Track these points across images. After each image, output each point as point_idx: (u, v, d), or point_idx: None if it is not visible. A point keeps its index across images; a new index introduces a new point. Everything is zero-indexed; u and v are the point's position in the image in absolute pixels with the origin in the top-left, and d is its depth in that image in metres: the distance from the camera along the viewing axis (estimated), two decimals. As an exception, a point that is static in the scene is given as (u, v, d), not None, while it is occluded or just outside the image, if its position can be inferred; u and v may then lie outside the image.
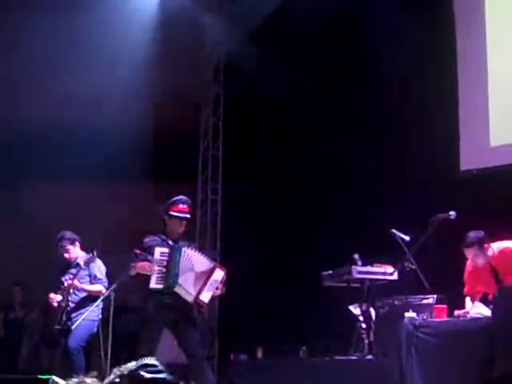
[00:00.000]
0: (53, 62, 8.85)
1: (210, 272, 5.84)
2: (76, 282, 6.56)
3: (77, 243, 6.84)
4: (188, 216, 6.03)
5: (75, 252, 6.81)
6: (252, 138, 9.38)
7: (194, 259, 5.84)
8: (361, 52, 8.30)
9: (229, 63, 9.83)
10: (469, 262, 5.89)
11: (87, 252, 6.68)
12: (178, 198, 6.05)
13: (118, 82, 9.24)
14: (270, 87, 9.17)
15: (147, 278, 5.87)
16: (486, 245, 5.72)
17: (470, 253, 5.74)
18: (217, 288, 5.85)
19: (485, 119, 7.42)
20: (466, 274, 5.92)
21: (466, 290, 5.88)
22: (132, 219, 8.77)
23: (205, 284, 5.79)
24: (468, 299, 5.79)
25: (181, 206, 6.00)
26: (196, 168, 9.87)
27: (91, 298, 6.63)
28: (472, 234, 5.75)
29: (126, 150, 9.30)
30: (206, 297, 5.81)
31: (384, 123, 8.16)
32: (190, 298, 5.81)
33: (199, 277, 5.81)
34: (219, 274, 5.85)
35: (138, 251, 5.96)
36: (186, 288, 5.80)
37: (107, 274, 6.77)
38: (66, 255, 6.79)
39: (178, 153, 9.54)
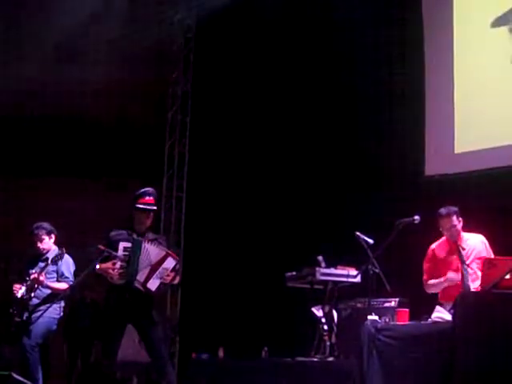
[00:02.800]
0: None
1: (162, 260, 5.82)
2: (42, 277, 6.45)
3: (53, 236, 6.71)
4: (154, 208, 5.99)
5: (49, 244, 6.69)
6: (219, 136, 9.37)
7: (151, 252, 5.82)
8: (331, 59, 8.36)
9: (198, 60, 9.81)
10: (429, 250, 5.95)
11: (59, 248, 6.58)
12: (143, 190, 6.01)
13: (83, 76, 9.20)
14: (238, 84, 9.20)
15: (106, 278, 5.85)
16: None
17: (449, 222, 5.81)
18: (167, 275, 5.82)
19: (450, 127, 7.54)
20: (425, 263, 5.97)
21: (425, 277, 5.95)
22: (97, 214, 8.72)
23: (154, 271, 5.77)
24: (432, 280, 5.84)
25: (147, 198, 5.95)
26: (162, 164, 9.83)
27: (55, 295, 6.54)
28: (450, 206, 5.86)
29: (92, 145, 9.28)
30: (153, 284, 5.77)
31: (350, 125, 8.22)
32: (138, 285, 5.79)
33: (153, 267, 5.80)
34: (170, 263, 5.82)
35: (101, 247, 5.90)
36: (140, 280, 5.78)
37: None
38: (39, 245, 6.64)
39: (144, 149, 9.51)
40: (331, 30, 8.32)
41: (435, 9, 7.89)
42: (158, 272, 5.78)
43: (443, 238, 5.98)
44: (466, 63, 7.64)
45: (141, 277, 5.77)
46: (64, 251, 6.44)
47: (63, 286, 6.57)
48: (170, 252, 5.91)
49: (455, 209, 5.88)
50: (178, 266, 5.93)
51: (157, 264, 5.80)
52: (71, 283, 6.60)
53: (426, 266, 5.99)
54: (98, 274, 5.91)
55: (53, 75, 9.23)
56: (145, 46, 9.30)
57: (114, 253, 5.83)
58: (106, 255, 5.88)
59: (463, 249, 5.83)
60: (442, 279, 5.80)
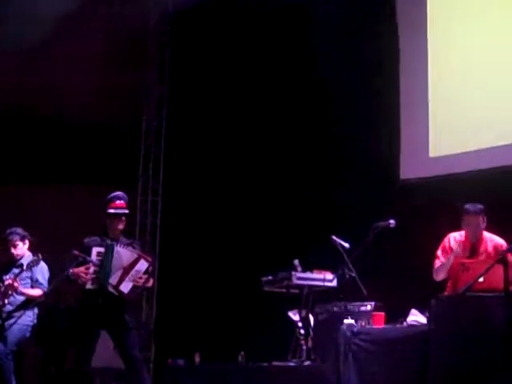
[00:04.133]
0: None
1: (134, 263, 5.80)
2: (17, 284, 6.37)
3: (26, 241, 6.62)
4: (126, 211, 5.96)
5: (23, 249, 6.60)
6: (194, 140, 9.35)
7: (123, 255, 5.80)
8: (307, 59, 8.38)
9: (173, 63, 9.78)
10: (448, 238, 5.84)
11: (33, 254, 6.51)
12: (113, 194, 5.98)
13: (54, 79, 9.13)
14: (214, 88, 9.19)
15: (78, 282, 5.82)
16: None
17: (475, 220, 5.70)
18: (140, 278, 5.79)
19: (425, 131, 7.58)
20: (439, 249, 5.84)
21: (436, 261, 5.82)
22: (72, 220, 8.66)
23: (126, 274, 5.75)
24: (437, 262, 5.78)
25: (117, 202, 5.92)
26: (137, 168, 9.78)
27: (29, 301, 6.47)
28: (477, 204, 5.74)
29: (65, 151, 9.21)
30: (125, 287, 5.75)
31: (325, 129, 8.24)
32: (111, 289, 5.76)
33: (125, 270, 5.78)
34: (143, 265, 5.80)
35: (76, 252, 5.88)
36: (112, 283, 5.75)
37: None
38: (13, 251, 6.54)
39: (118, 153, 9.46)
40: (307, 28, 8.33)
41: (410, 12, 7.93)
42: (130, 275, 5.76)
43: (462, 232, 5.84)
44: (440, 68, 7.70)
45: (113, 280, 5.75)
46: (40, 257, 6.37)
47: (38, 292, 6.50)
48: (142, 254, 5.89)
49: (482, 207, 5.74)
50: (150, 269, 5.91)
51: (129, 267, 5.78)
52: (45, 290, 6.54)
53: (438, 252, 5.83)
54: (72, 279, 5.87)
55: (23, 77, 9.15)
56: (119, 48, 9.26)
57: (88, 258, 5.80)
58: (80, 260, 5.86)
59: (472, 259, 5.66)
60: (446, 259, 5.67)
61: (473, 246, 5.79)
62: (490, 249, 5.76)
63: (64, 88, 9.39)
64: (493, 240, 5.78)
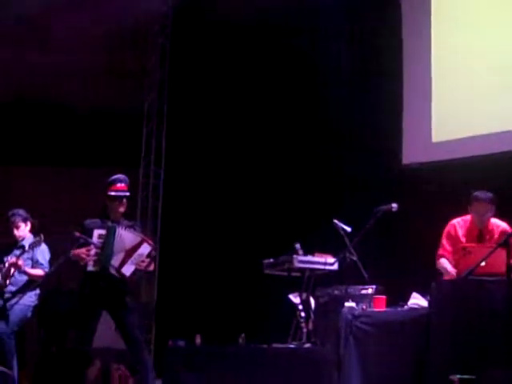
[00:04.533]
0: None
1: (137, 246, 5.81)
2: (21, 262, 6.40)
3: (28, 223, 6.66)
4: (127, 194, 5.96)
5: (24, 231, 6.64)
6: (197, 124, 9.34)
7: (125, 238, 5.81)
8: (306, 49, 8.36)
9: (175, 47, 9.74)
10: (451, 225, 5.83)
11: (34, 235, 6.54)
12: (114, 177, 5.97)
13: (57, 62, 9.10)
14: (216, 72, 9.17)
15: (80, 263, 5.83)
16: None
17: (484, 208, 5.69)
18: (142, 262, 5.80)
19: (427, 116, 7.58)
20: (444, 237, 5.83)
21: (442, 251, 5.82)
22: (74, 202, 8.66)
23: (129, 257, 5.76)
24: (444, 260, 5.77)
25: (118, 184, 5.92)
26: (139, 152, 9.77)
27: (30, 282, 6.50)
28: (486, 192, 5.72)
29: (68, 133, 9.19)
30: (127, 270, 5.76)
31: (328, 115, 8.22)
32: (113, 271, 5.78)
33: (128, 252, 5.78)
34: (145, 248, 5.81)
35: (77, 234, 5.89)
36: (114, 264, 5.76)
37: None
38: (16, 232, 6.58)
39: (121, 136, 9.45)
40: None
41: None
42: (132, 258, 5.77)
43: (466, 217, 5.84)
44: (444, 53, 7.69)
45: (115, 262, 5.76)
46: (42, 238, 6.40)
47: (39, 272, 6.54)
48: (145, 238, 5.90)
49: (491, 195, 5.72)
50: (153, 253, 5.92)
51: (132, 250, 5.79)
52: (46, 270, 6.57)
53: (444, 240, 5.82)
54: (74, 261, 5.89)
55: (23, 60, 9.12)
56: (122, 32, 9.22)
57: (89, 239, 5.81)
58: (81, 242, 5.87)
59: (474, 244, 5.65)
60: (449, 269, 5.66)
61: (480, 232, 5.79)
62: (496, 235, 5.77)
63: (66, 71, 9.36)
64: (499, 226, 5.78)
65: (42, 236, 6.38)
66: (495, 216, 5.81)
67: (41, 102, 9.59)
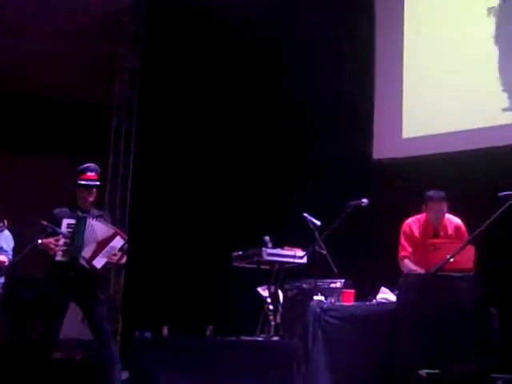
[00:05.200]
0: None
1: (110, 239, 5.74)
2: None
3: None
4: (97, 183, 5.88)
5: None
6: (168, 114, 9.27)
7: (97, 229, 5.73)
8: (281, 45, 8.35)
9: (147, 36, 9.66)
10: (407, 225, 5.90)
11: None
12: (85, 165, 5.89)
13: (26, 50, 8.99)
14: (188, 62, 9.11)
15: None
16: None
17: (440, 206, 5.78)
18: (114, 255, 5.75)
19: (398, 113, 7.63)
20: (402, 238, 5.89)
21: (404, 253, 5.85)
22: (42, 190, 8.56)
23: (101, 249, 5.70)
24: (408, 261, 5.81)
25: (89, 173, 5.84)
26: (108, 141, 9.68)
27: None
28: (438, 191, 5.81)
29: (37, 120, 9.08)
30: (98, 262, 5.70)
31: (300, 111, 8.22)
32: (83, 262, 5.71)
33: (99, 244, 5.72)
34: (118, 242, 5.75)
35: (45, 223, 5.79)
36: (85, 256, 5.70)
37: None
38: None
39: (90, 125, 9.35)
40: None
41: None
42: (105, 250, 5.70)
43: (420, 216, 5.92)
44: (415, 51, 7.75)
45: (86, 253, 5.68)
46: (5, 224, 6.30)
47: (3, 258, 6.45)
48: (118, 231, 5.83)
49: (443, 193, 5.82)
50: (126, 246, 5.84)
51: (104, 242, 5.72)
52: (10, 257, 6.48)
53: (403, 242, 5.88)
54: (41, 250, 5.80)
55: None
56: (92, 21, 9.12)
57: (58, 229, 5.73)
58: (49, 231, 5.78)
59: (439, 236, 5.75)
60: (414, 268, 5.69)
61: (435, 230, 5.86)
62: (450, 231, 5.85)
63: (36, 60, 9.24)
64: (452, 222, 5.88)
65: (6, 222, 6.28)
66: (457, 212, 5.90)
67: (10, 90, 9.45)
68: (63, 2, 8.95)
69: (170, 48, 9.28)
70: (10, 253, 6.54)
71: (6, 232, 6.47)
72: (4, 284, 6.61)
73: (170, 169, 9.12)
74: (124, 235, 5.84)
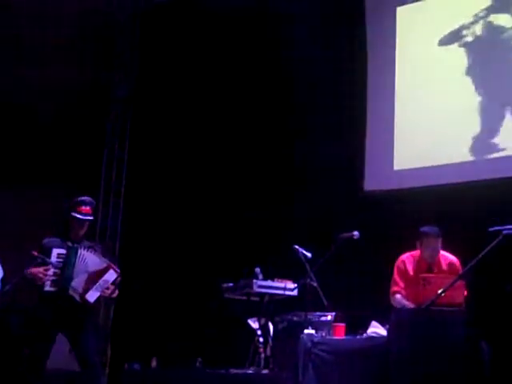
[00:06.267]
0: None
1: (103, 272, 5.71)
2: None
3: None
4: (91, 218, 5.88)
5: None
6: (159, 142, 9.28)
7: (88, 260, 5.70)
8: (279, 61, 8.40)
9: (141, 64, 9.71)
10: (401, 261, 5.85)
11: None
12: (81, 198, 5.88)
13: (18, 74, 8.99)
14: (180, 91, 9.15)
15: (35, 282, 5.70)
16: None
17: (436, 243, 5.73)
18: (107, 288, 5.71)
19: (390, 144, 7.68)
20: (395, 274, 5.83)
21: (396, 288, 5.78)
22: (31, 220, 8.51)
23: (93, 283, 5.66)
24: (400, 296, 5.75)
25: (83, 207, 5.83)
26: (99, 169, 9.66)
27: None
28: (433, 226, 5.78)
29: (27, 148, 9.04)
30: (92, 296, 5.66)
31: (292, 137, 8.25)
32: (77, 297, 5.67)
33: (91, 277, 5.68)
34: (111, 275, 5.72)
35: (35, 253, 5.76)
36: (77, 289, 5.66)
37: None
38: None
39: (81, 153, 9.33)
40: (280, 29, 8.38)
41: (379, 27, 8.03)
42: (98, 284, 5.66)
43: (414, 252, 5.87)
44: (406, 82, 7.82)
45: (78, 286, 5.63)
46: None
47: None
48: (111, 265, 5.78)
49: (438, 229, 5.77)
50: (118, 280, 5.80)
51: (96, 274, 5.67)
52: None
53: (396, 277, 5.81)
54: (29, 280, 5.75)
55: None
56: (86, 45, 9.16)
57: (48, 259, 5.69)
58: (38, 262, 5.74)
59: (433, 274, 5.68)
60: (406, 304, 5.65)
61: (429, 266, 5.84)
62: (444, 267, 5.82)
63: (26, 84, 9.24)
64: (447, 258, 5.85)
65: None
66: (449, 244, 5.89)
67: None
68: (56, 26, 8.99)
69: (164, 75, 9.33)
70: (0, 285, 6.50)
71: None
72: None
73: (162, 199, 9.10)
74: (117, 269, 5.80)
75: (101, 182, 9.58)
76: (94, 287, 5.65)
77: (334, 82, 7.93)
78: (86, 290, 5.63)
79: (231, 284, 6.65)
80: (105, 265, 5.71)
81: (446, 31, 7.60)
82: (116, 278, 5.73)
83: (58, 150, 9.47)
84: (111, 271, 5.70)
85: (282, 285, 6.49)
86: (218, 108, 8.91)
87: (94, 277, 5.67)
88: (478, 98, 7.27)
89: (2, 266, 6.56)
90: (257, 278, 6.50)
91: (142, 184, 9.34)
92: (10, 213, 8.73)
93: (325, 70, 7.97)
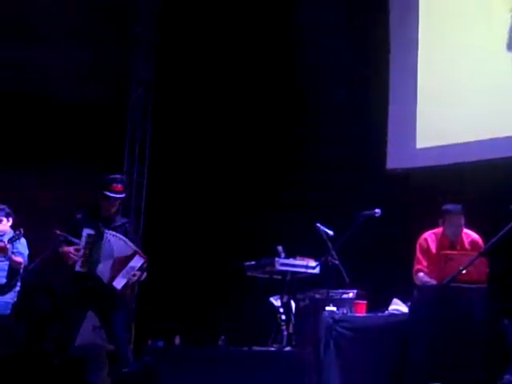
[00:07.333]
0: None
1: (129, 258, 5.75)
2: (9, 245, 6.37)
3: (10, 219, 6.67)
4: (122, 195, 5.94)
5: (6, 226, 6.63)
6: (182, 123, 9.30)
7: (114, 245, 5.75)
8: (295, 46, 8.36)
9: (162, 44, 9.71)
10: (424, 239, 5.85)
11: (15, 231, 6.53)
12: (112, 177, 5.94)
13: (39, 56, 9.04)
14: (202, 72, 9.14)
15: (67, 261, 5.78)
16: None
17: (458, 220, 5.74)
18: (134, 275, 5.76)
19: (412, 122, 7.60)
20: (418, 252, 5.83)
21: (419, 266, 5.78)
22: (55, 199, 8.60)
23: (120, 270, 5.71)
24: (422, 274, 5.76)
25: (114, 185, 5.88)
26: (122, 149, 9.71)
27: (12, 274, 6.46)
28: (457, 205, 5.77)
29: (50, 129, 9.10)
30: (119, 283, 5.72)
31: (314, 120, 8.22)
32: (104, 280, 5.74)
33: (117, 262, 5.73)
34: (138, 261, 5.76)
35: (58, 231, 5.83)
36: (103, 274, 5.72)
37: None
38: None
39: (104, 133, 9.38)
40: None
41: (402, 11, 7.94)
42: (124, 271, 5.71)
43: (437, 230, 5.87)
44: (430, 60, 7.72)
45: (104, 272, 5.68)
46: (22, 232, 6.38)
47: (20, 259, 6.52)
48: (137, 250, 5.82)
49: (461, 206, 5.77)
50: (145, 265, 5.83)
51: (122, 260, 5.71)
52: (25, 260, 6.54)
53: (419, 255, 5.83)
54: (54, 259, 5.84)
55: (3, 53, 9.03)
56: (107, 27, 9.17)
57: (74, 239, 5.76)
58: (61, 240, 5.81)
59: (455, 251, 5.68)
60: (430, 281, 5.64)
61: (451, 244, 5.82)
62: (466, 245, 5.81)
63: (48, 64, 9.28)
64: (469, 236, 5.83)
65: (22, 230, 6.35)
66: (472, 223, 5.87)
67: (22, 95, 9.48)
68: (77, 7, 9.01)
69: (184, 56, 9.33)
70: (26, 258, 6.62)
71: (22, 240, 6.55)
72: (19, 292, 6.66)
73: (185, 178, 9.14)
74: (143, 254, 5.83)
75: (123, 162, 9.63)
76: (121, 274, 5.70)
77: (353, 61, 7.88)
78: (113, 277, 5.69)
79: (254, 262, 6.67)
80: (131, 251, 5.75)
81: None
82: (142, 264, 5.77)
83: (84, 131, 9.52)
84: (137, 257, 5.74)
85: (304, 263, 6.49)
86: (241, 85, 8.89)
87: (121, 262, 5.71)
88: (508, 71, 7.10)
89: (28, 245, 6.66)
90: (279, 257, 6.51)
91: (164, 164, 9.38)
92: (36, 193, 8.82)
93: (343, 46, 7.92)
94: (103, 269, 5.71)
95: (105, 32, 9.21)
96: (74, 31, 9.16)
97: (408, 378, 5.01)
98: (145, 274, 5.91)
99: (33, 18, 8.98)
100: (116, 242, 5.75)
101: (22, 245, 6.59)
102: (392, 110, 7.78)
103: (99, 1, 9.17)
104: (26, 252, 6.62)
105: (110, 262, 5.72)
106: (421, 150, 7.57)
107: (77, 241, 5.76)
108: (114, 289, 5.72)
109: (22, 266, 6.57)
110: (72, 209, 6.18)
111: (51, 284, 8.53)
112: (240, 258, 6.91)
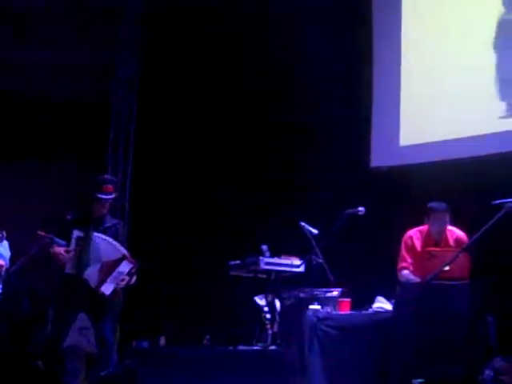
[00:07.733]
0: None
1: (117, 262, 5.71)
2: None
3: None
4: (113, 196, 5.91)
5: None
6: (167, 123, 9.27)
7: (102, 249, 5.71)
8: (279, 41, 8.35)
9: (147, 45, 9.68)
10: (409, 237, 5.88)
11: None
12: (102, 177, 5.93)
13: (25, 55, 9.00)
14: (188, 71, 9.13)
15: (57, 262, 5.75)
16: None
17: (444, 218, 5.77)
18: (122, 280, 5.73)
19: (396, 120, 7.62)
20: (403, 250, 5.87)
21: (404, 264, 5.83)
22: (39, 199, 8.56)
23: (108, 275, 5.67)
24: (407, 272, 5.79)
25: (104, 186, 5.85)
26: (106, 150, 9.67)
27: None
28: (442, 203, 5.81)
29: (34, 127, 9.06)
30: (107, 289, 5.68)
31: (299, 117, 8.22)
32: (92, 284, 5.71)
33: (105, 266, 5.70)
34: (126, 266, 5.72)
35: (41, 233, 5.79)
36: (91, 278, 5.68)
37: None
38: None
39: (88, 133, 9.34)
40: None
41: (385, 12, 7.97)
42: (112, 276, 5.67)
43: (422, 228, 5.90)
44: (413, 58, 7.74)
45: (92, 276, 5.65)
46: (4, 235, 6.33)
47: (1, 261, 6.48)
48: (126, 254, 5.78)
49: (445, 204, 5.81)
50: (134, 270, 5.79)
51: (110, 265, 5.67)
52: (7, 263, 6.50)
53: (404, 253, 5.86)
54: (39, 260, 5.81)
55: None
56: (92, 24, 9.14)
57: (60, 241, 5.71)
58: (47, 242, 5.77)
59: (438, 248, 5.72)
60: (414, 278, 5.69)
61: (436, 241, 5.84)
62: (451, 242, 5.84)
63: (33, 65, 9.24)
64: (454, 233, 5.86)
65: (4, 233, 6.31)
66: (457, 219, 5.89)
67: (7, 94, 9.44)
68: (61, 5, 8.97)
69: (169, 55, 9.30)
70: (7, 261, 6.57)
71: (5, 242, 6.50)
72: (1, 295, 6.62)
73: (170, 178, 9.11)
74: (132, 259, 5.78)
75: (108, 162, 9.59)
76: (109, 279, 5.65)
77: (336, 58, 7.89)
78: (102, 282, 5.64)
79: (238, 261, 6.66)
80: (119, 255, 5.71)
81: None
82: (131, 269, 5.73)
83: (69, 131, 9.48)
84: (125, 262, 5.70)
85: (288, 261, 6.50)
86: (226, 85, 8.88)
87: (109, 267, 5.67)
88: (488, 71, 7.15)
89: (10, 247, 6.62)
90: (264, 256, 6.51)
91: (149, 165, 9.35)
92: (20, 193, 8.78)
93: (327, 44, 7.93)
94: (91, 272, 5.67)
95: (90, 32, 9.18)
96: (58, 31, 9.12)
97: (392, 374, 5.01)
98: (134, 278, 5.86)
99: (16, 18, 8.94)
100: (104, 245, 5.72)
101: (4, 247, 6.55)
102: (375, 108, 7.79)
103: (85, 1, 9.13)
104: (8, 254, 6.57)
105: (97, 266, 5.68)
106: (404, 147, 7.59)
107: (63, 242, 5.73)
108: (103, 294, 5.68)
109: (4, 269, 6.52)
110: (57, 210, 6.15)
111: (34, 286, 8.50)
112: (224, 256, 6.89)
